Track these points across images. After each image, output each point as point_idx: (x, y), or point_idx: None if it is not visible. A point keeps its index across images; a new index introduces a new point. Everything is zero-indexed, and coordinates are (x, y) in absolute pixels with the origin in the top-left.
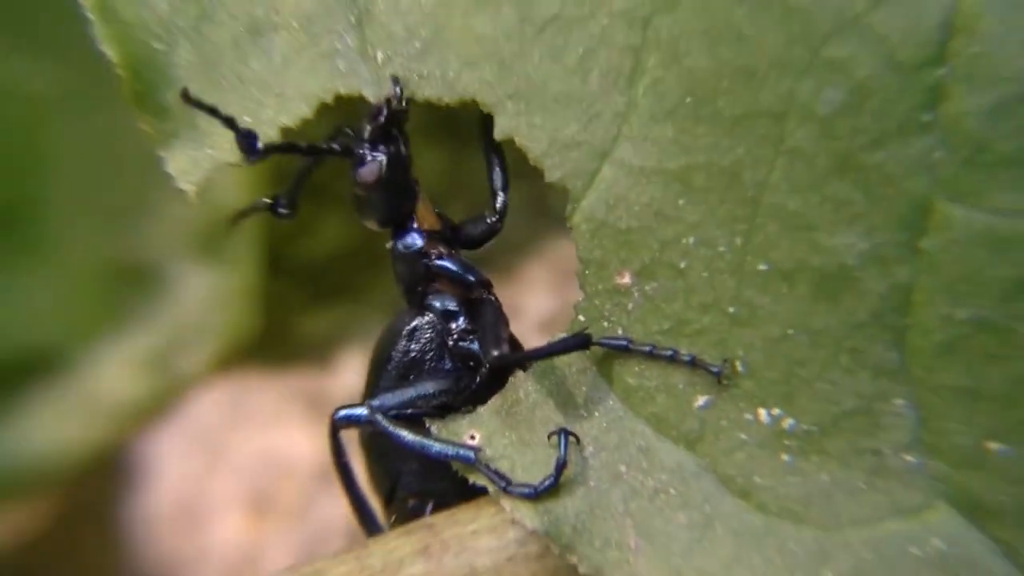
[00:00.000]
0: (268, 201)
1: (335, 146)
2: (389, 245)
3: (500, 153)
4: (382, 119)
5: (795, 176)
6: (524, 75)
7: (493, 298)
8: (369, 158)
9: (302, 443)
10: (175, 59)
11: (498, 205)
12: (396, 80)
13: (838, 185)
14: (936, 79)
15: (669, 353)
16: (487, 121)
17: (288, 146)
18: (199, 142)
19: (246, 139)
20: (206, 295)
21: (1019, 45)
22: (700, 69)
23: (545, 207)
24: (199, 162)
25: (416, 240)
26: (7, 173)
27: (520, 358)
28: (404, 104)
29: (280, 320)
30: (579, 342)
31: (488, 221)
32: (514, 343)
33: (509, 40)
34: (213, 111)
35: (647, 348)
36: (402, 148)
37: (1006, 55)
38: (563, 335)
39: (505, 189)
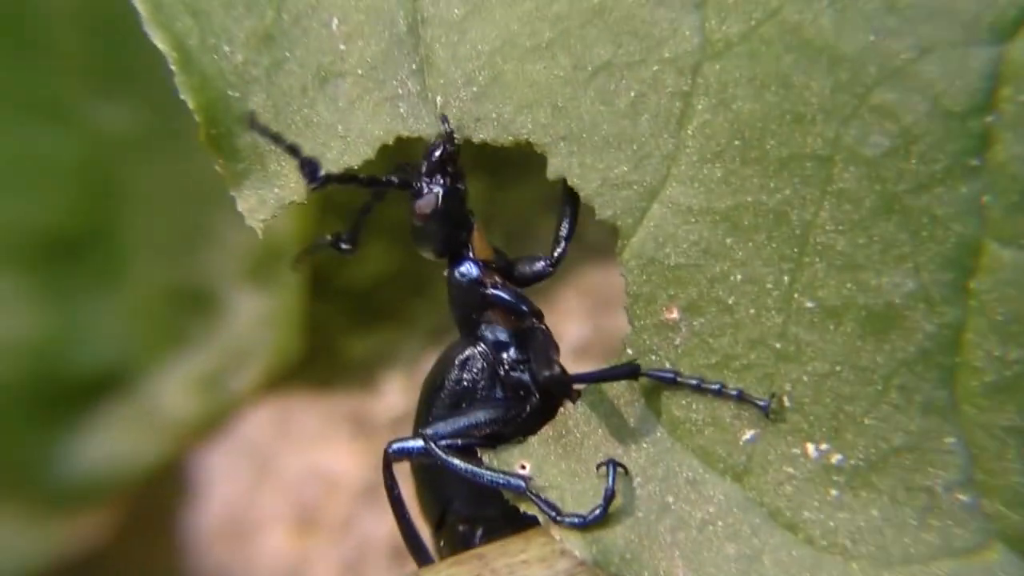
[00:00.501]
0: (330, 238)
1: (393, 179)
2: (445, 274)
3: (576, 206)
4: (438, 154)
5: (842, 216)
6: (577, 118)
7: (544, 327)
8: (426, 190)
9: (346, 461)
10: (248, 105)
11: (557, 253)
12: (445, 119)
13: (885, 226)
14: (984, 126)
15: (716, 387)
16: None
17: (348, 177)
18: (268, 183)
19: (309, 167)
20: (256, 319)
21: None
22: (748, 113)
23: (582, 239)
24: (267, 201)
25: (472, 269)
26: (88, 206)
27: (571, 379)
28: (457, 141)
29: (325, 343)
30: (628, 371)
31: (542, 264)
32: (564, 369)
33: (563, 85)
34: (277, 138)
35: (694, 381)
36: (457, 181)
37: None
38: (609, 363)
39: (568, 240)
